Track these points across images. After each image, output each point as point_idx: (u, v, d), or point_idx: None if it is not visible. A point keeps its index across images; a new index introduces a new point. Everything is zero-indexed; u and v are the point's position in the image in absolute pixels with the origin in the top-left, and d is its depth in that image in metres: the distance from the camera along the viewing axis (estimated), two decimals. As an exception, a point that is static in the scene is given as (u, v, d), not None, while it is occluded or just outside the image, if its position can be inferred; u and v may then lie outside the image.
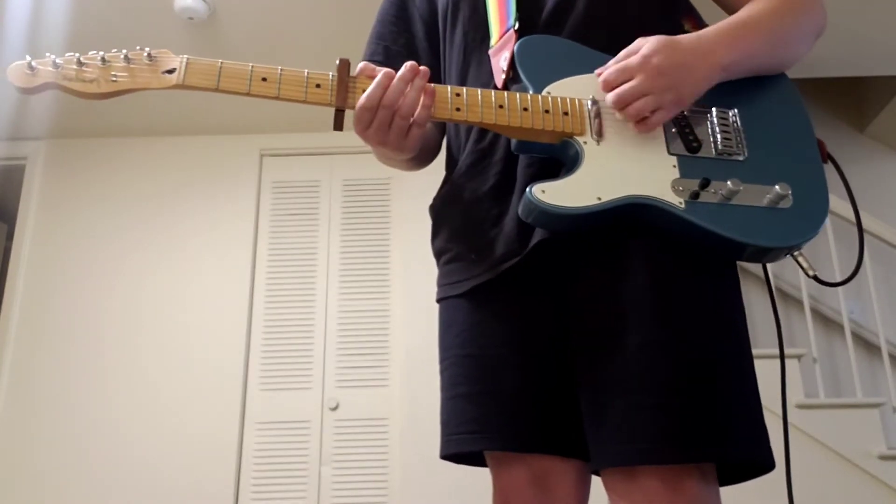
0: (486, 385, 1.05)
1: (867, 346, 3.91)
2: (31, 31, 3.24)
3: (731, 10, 1.12)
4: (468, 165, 1.14)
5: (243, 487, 3.46)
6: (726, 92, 1.04)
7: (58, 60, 0.95)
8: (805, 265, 1.03)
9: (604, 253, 1.00)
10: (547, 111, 1.00)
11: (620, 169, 0.99)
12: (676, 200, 0.97)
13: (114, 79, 0.97)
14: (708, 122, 1.03)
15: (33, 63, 0.95)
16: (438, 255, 1.19)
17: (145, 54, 0.98)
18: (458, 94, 1.01)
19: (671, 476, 0.91)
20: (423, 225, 4.31)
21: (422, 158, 1.24)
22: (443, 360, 1.14)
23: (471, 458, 1.11)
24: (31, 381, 3.61)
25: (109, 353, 3.64)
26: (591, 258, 1.02)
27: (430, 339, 3.96)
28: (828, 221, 3.54)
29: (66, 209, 3.91)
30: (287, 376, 3.63)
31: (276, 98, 1.01)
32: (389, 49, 1.24)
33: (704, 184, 0.97)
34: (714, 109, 1.04)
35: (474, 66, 1.15)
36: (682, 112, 1.02)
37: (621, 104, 0.99)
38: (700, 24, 1.16)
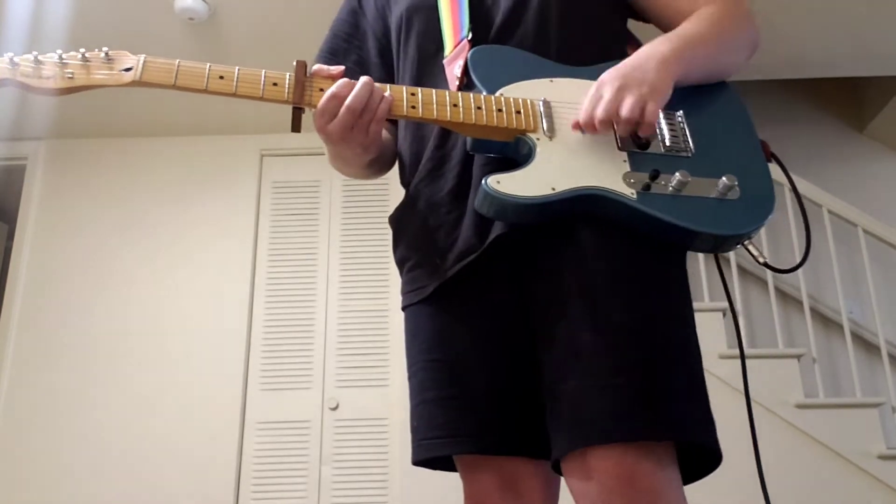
0: (453, 389, 1.07)
1: (866, 345, 3.92)
2: (31, 31, 3.24)
3: (666, 30, 1.18)
4: (427, 171, 1.17)
5: (244, 487, 3.47)
6: (673, 97, 1.08)
7: (15, 59, 0.99)
8: (755, 252, 1.07)
9: (558, 243, 1.04)
10: (500, 110, 1.05)
11: (573, 162, 1.03)
12: (629, 191, 1.01)
13: (69, 75, 1.00)
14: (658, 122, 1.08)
15: None
16: (401, 263, 1.21)
17: (102, 54, 1.02)
18: (412, 94, 1.06)
19: (624, 459, 0.91)
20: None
21: (378, 166, 1.27)
22: (410, 366, 1.17)
23: (443, 463, 1.13)
24: (31, 380, 3.61)
25: (109, 352, 3.64)
26: (546, 249, 1.05)
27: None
28: (827, 220, 3.58)
29: (67, 209, 3.91)
30: (287, 376, 3.64)
31: (234, 95, 1.05)
32: (341, 64, 1.26)
33: (654, 175, 1.01)
34: (661, 111, 1.08)
35: (428, 77, 1.19)
36: None
37: (608, 117, 1.02)
38: None
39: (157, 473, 3.44)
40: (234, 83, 1.05)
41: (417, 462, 1.13)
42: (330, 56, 1.31)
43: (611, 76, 1.05)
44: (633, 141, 1.06)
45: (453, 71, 1.14)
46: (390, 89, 1.05)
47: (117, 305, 3.73)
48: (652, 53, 1.07)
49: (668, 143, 1.06)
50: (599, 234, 1.02)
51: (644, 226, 1.02)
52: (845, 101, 4.62)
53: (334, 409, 3.56)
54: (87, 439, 3.51)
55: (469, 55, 1.11)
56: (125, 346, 3.66)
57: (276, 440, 3.54)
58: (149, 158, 4.00)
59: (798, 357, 3.40)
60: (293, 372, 3.64)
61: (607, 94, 1.02)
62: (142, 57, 1.03)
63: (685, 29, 1.13)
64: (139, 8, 3.18)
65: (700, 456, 0.97)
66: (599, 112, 1.02)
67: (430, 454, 1.09)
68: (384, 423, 3.54)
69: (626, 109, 1.01)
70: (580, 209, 1.02)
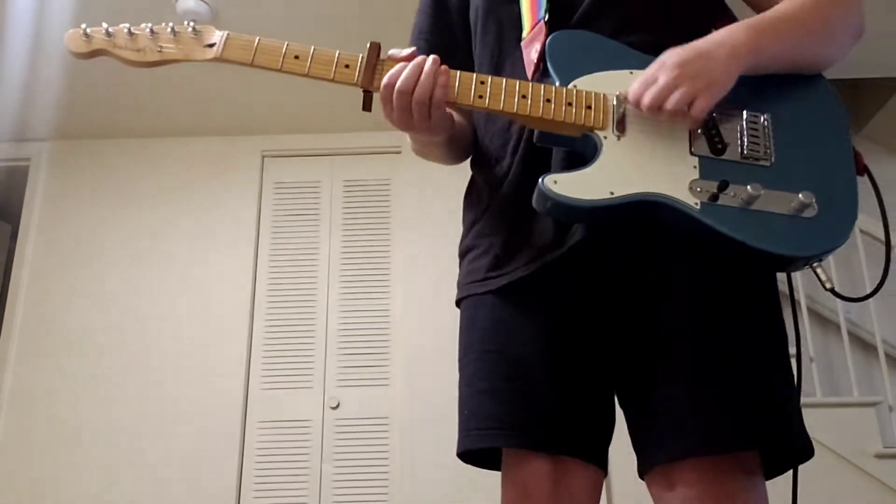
0: (510, 382, 1.04)
1: (863, 345, 3.93)
2: (32, 32, 3.25)
3: (760, 10, 1.11)
4: (496, 159, 1.14)
5: (245, 486, 3.47)
6: (760, 95, 1.03)
7: (110, 29, 1.02)
8: (823, 277, 1.00)
9: (644, 250, 1.01)
10: (570, 104, 1.00)
11: (638, 165, 0.98)
12: (692, 201, 0.95)
13: (160, 49, 1.03)
14: (737, 125, 1.01)
15: (88, 30, 1.03)
16: (465, 252, 1.18)
17: (190, 28, 1.03)
18: (482, 82, 1.02)
19: (711, 469, 0.92)
20: (424, 225, 4.35)
21: (455, 151, 1.24)
22: (464, 356, 1.13)
23: (485, 459, 1.10)
24: (34, 381, 3.61)
25: (112, 353, 3.65)
26: (629, 254, 1.02)
27: (430, 338, 3.98)
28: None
29: (70, 210, 3.92)
30: (288, 375, 3.65)
31: (305, 76, 1.02)
32: (430, 41, 1.25)
33: (723, 186, 0.95)
34: (745, 112, 1.02)
35: (508, 59, 1.15)
36: (711, 113, 1.00)
37: (656, 105, 0.97)
38: None
39: (159, 472, 3.45)
40: (308, 63, 1.02)
41: (464, 453, 1.09)
42: (418, 35, 1.27)
43: (672, 60, 0.98)
44: (709, 145, 0.99)
45: (530, 55, 1.09)
46: (460, 77, 1.02)
47: (119, 305, 3.74)
48: (725, 40, 1.00)
49: (745, 151, 0.99)
50: (684, 245, 0.99)
51: (705, 238, 0.96)
52: (843, 102, 4.62)
53: (335, 408, 3.57)
54: (89, 437, 3.51)
55: (547, 41, 1.06)
56: (127, 346, 3.66)
57: (277, 439, 3.54)
58: (151, 159, 4.01)
59: (795, 356, 3.40)
60: (294, 371, 3.65)
61: (662, 79, 0.97)
62: (224, 33, 1.03)
63: (776, 12, 1.05)
64: (141, 9, 3.19)
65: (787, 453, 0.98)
66: (647, 99, 0.97)
67: (478, 444, 1.06)
68: (385, 423, 3.55)
69: (671, 102, 0.96)
70: (642, 215, 0.98)
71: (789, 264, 0.99)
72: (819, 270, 0.99)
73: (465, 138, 1.23)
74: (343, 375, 3.63)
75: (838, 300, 3.57)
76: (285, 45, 1.02)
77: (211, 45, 1.03)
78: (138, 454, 3.48)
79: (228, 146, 4.01)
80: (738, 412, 0.92)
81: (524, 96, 1.01)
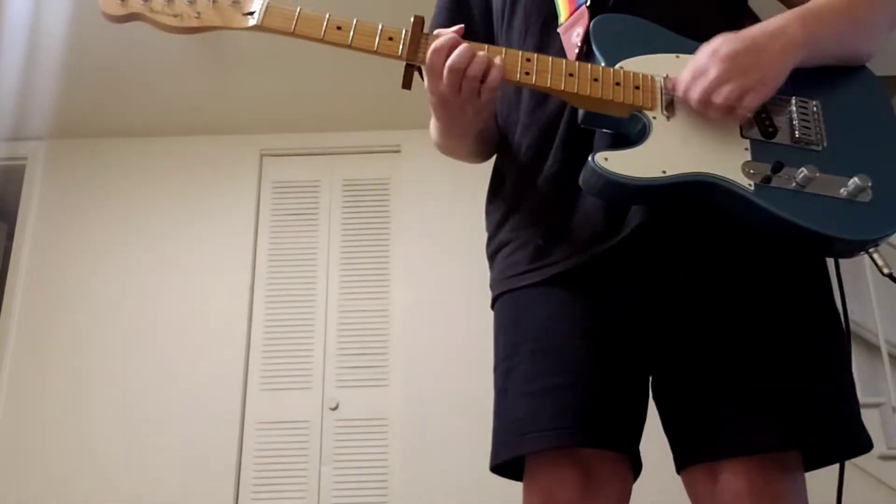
0: (563, 379, 1.00)
1: (867, 346, 3.91)
2: (30, 30, 3.24)
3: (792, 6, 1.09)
4: (533, 150, 1.11)
5: (243, 487, 3.46)
6: (808, 83, 1.01)
7: None
8: (880, 262, 0.99)
9: (702, 241, 0.99)
10: (618, 83, 0.99)
11: (690, 146, 0.96)
12: (746, 182, 0.94)
13: (197, 15, 1.00)
14: (787, 110, 1.00)
15: None
16: (498, 248, 1.14)
17: None
18: (528, 60, 1.00)
19: (755, 468, 0.91)
20: (423, 225, 4.31)
21: (482, 147, 1.21)
22: (510, 356, 1.07)
23: (520, 470, 1.05)
24: (30, 380, 3.60)
25: (109, 353, 3.64)
26: (692, 243, 1.00)
27: (430, 338, 3.96)
28: None
29: (67, 209, 3.91)
30: (287, 376, 3.63)
31: (348, 47, 1.00)
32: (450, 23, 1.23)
33: (777, 168, 0.94)
34: (794, 98, 1.01)
35: (538, 47, 1.12)
36: None
37: (705, 99, 0.95)
38: None
39: (157, 473, 3.43)
40: (351, 34, 1.00)
41: (505, 462, 1.03)
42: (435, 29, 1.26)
43: (724, 51, 0.96)
44: (759, 128, 0.98)
45: (571, 39, 1.08)
46: (506, 54, 1.00)
47: (117, 305, 3.72)
48: (778, 32, 0.98)
49: (797, 135, 0.98)
50: (744, 234, 0.97)
51: (759, 221, 0.95)
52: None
53: (334, 409, 3.56)
54: (87, 438, 3.50)
55: (592, 23, 1.05)
56: (125, 346, 3.65)
57: (275, 440, 3.53)
58: (149, 158, 3.99)
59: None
60: (293, 372, 3.64)
61: (712, 71, 0.95)
62: (265, 1, 1.01)
63: (818, 4, 1.03)
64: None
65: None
66: (695, 92, 0.96)
67: (545, 445, 1.00)
68: (384, 424, 3.53)
69: (721, 97, 0.94)
70: (693, 196, 0.96)
71: (845, 248, 0.98)
72: (876, 255, 0.98)
73: (492, 135, 1.21)
74: (342, 376, 3.61)
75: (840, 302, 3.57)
76: (327, 16, 1.00)
77: (250, 13, 1.00)
78: (136, 454, 3.47)
79: (226, 145, 4.00)
80: (789, 411, 0.91)
81: (571, 74, 0.99)
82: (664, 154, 0.95)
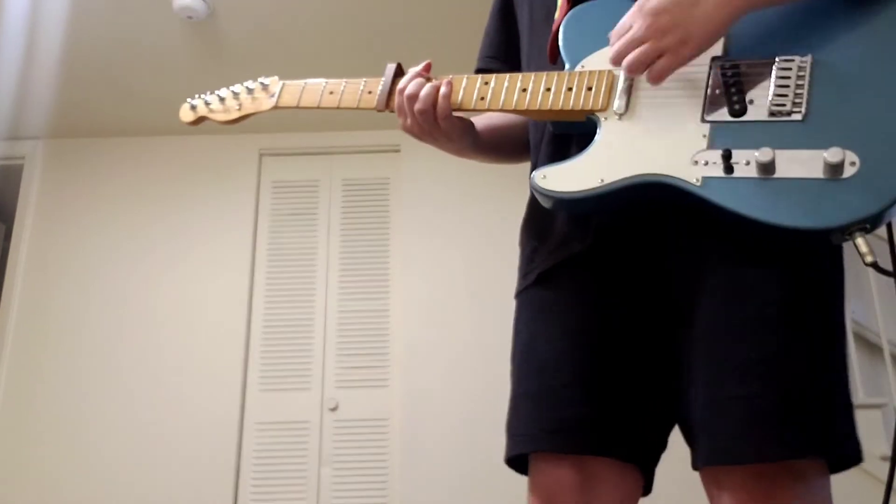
0: (540, 381, 0.99)
1: (869, 346, 3.90)
2: (30, 28, 3.23)
3: None
4: (534, 154, 1.12)
5: (242, 488, 3.45)
6: (799, 34, 0.88)
7: (207, 98, 1.22)
8: (863, 249, 0.81)
9: (668, 242, 0.95)
10: (570, 88, 0.95)
11: (636, 145, 0.90)
12: (693, 177, 0.85)
13: (239, 107, 1.19)
14: (767, 78, 0.87)
15: (193, 103, 1.23)
16: (521, 247, 1.14)
17: (259, 84, 1.19)
18: (486, 83, 1.02)
19: (760, 475, 0.86)
20: (423, 224, 4.30)
21: (496, 154, 1.23)
22: (511, 358, 1.08)
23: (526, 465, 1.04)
24: (28, 381, 3.59)
25: (107, 353, 3.63)
26: (653, 246, 0.96)
27: (429, 338, 3.95)
28: None
29: (64, 209, 3.90)
30: (286, 376, 3.62)
31: (338, 108, 1.12)
32: (494, 39, 1.26)
33: (726, 155, 0.83)
34: (777, 59, 0.87)
35: (536, 45, 1.12)
36: (732, 66, 0.88)
37: (618, 60, 0.90)
38: None
39: (156, 473, 3.43)
40: (339, 97, 1.12)
41: (509, 459, 1.02)
42: (484, 36, 1.27)
43: (649, 6, 0.88)
44: (728, 106, 0.87)
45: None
46: (466, 81, 1.03)
47: (115, 305, 3.71)
48: None
49: (771, 107, 0.85)
50: (726, 231, 0.88)
51: (719, 218, 0.85)
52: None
53: (333, 409, 3.55)
54: (85, 439, 3.49)
55: (564, 19, 1.01)
56: (123, 346, 3.64)
57: (275, 441, 3.52)
58: (147, 158, 3.98)
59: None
60: (292, 372, 3.63)
61: (633, 29, 0.89)
62: (281, 83, 1.17)
63: None
64: (138, 6, 3.16)
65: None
66: (611, 52, 0.90)
67: (519, 450, 1.00)
68: (384, 424, 3.52)
69: (629, 61, 0.88)
70: (646, 197, 0.90)
71: (822, 237, 0.82)
72: (860, 241, 0.80)
73: (512, 142, 1.21)
74: (341, 376, 3.60)
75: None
76: (323, 85, 1.13)
77: (272, 95, 1.17)
78: (135, 455, 3.46)
79: (225, 144, 3.98)
80: (780, 419, 0.85)
81: (524, 90, 0.98)
82: (604, 161, 0.90)
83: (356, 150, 3.99)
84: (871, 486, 3.16)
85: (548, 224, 1.06)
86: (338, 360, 3.63)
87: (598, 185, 0.89)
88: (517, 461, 1.02)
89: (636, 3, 0.90)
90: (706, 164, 0.85)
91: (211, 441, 3.48)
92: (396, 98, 1.05)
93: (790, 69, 0.86)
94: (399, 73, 1.09)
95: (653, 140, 0.90)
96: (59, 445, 3.48)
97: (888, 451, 3.17)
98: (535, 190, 0.94)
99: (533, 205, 1.10)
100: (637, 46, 0.88)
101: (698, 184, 0.85)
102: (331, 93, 1.12)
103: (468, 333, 3.51)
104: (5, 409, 3.55)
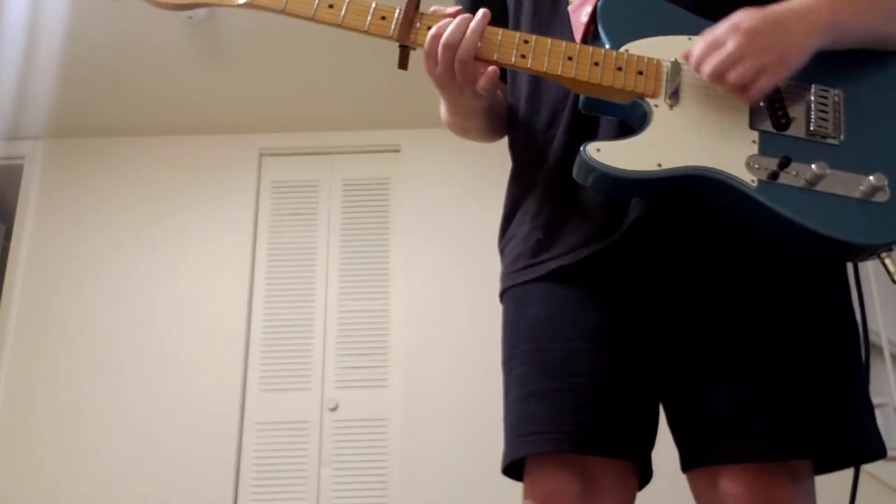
0: (558, 382, 0.97)
1: (868, 346, 3.89)
2: (30, 28, 3.23)
3: None
4: (540, 135, 1.07)
5: (242, 488, 3.45)
6: (833, 69, 0.94)
7: None
8: (892, 269, 0.89)
9: (703, 240, 0.95)
10: (620, 68, 0.94)
11: (691, 137, 0.91)
12: (749, 178, 0.88)
13: None
14: (805, 100, 0.93)
15: None
16: (507, 242, 1.10)
17: None
18: (526, 42, 0.96)
19: (757, 476, 0.88)
20: (423, 224, 4.30)
21: (492, 125, 1.17)
22: (510, 357, 1.04)
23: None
24: (28, 381, 3.59)
25: (107, 353, 3.62)
26: (692, 240, 0.96)
27: (429, 338, 3.95)
28: None
29: (65, 209, 3.89)
30: (286, 377, 3.62)
31: (339, 26, 0.99)
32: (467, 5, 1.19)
33: (784, 163, 0.88)
34: (813, 86, 0.94)
35: (546, 28, 1.08)
36: (777, 85, 0.92)
37: (718, 75, 0.90)
38: None
39: (156, 474, 3.42)
40: (342, 12, 0.99)
41: (513, 462, 1.00)
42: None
43: (745, 25, 0.90)
44: (771, 119, 0.91)
45: (579, 18, 1.02)
46: (503, 35, 0.96)
47: (115, 305, 3.71)
48: (805, 11, 0.91)
49: (812, 127, 0.91)
50: (745, 228, 0.91)
51: (763, 220, 0.89)
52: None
53: (333, 409, 3.55)
54: (85, 438, 3.48)
55: (600, 2, 0.99)
56: (123, 346, 3.63)
57: (275, 441, 3.52)
58: (147, 158, 3.98)
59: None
60: (292, 372, 3.62)
61: (729, 45, 0.89)
62: None
63: None
64: (137, 5, 3.16)
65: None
66: (709, 65, 0.90)
67: (528, 451, 0.98)
68: (383, 424, 3.52)
69: (735, 75, 0.88)
70: (694, 191, 0.91)
71: (856, 252, 0.91)
72: (888, 261, 0.89)
73: (502, 113, 1.17)
74: (341, 376, 3.60)
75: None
76: None
77: None
78: (135, 455, 3.45)
79: (225, 144, 3.98)
80: (793, 419, 0.87)
81: (570, 58, 0.95)
82: (662, 145, 0.90)
83: (356, 150, 3.99)
84: (871, 486, 3.16)
85: (560, 216, 1.02)
86: (338, 360, 3.63)
87: (655, 168, 0.89)
88: (514, 467, 1.00)
89: (730, 21, 0.91)
90: (758, 167, 0.89)
91: (211, 441, 3.48)
92: (428, 43, 0.95)
93: (827, 97, 0.93)
94: (414, 5, 0.98)
95: (706, 136, 0.91)
96: (59, 445, 3.48)
97: (889, 452, 3.18)
98: (587, 162, 0.89)
99: (537, 194, 1.06)
100: (735, 63, 0.89)
101: (753, 185, 0.88)
102: (330, 6, 0.99)
103: (468, 333, 3.50)
104: (5, 409, 3.55)
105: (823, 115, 0.92)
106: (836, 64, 0.94)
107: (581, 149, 0.90)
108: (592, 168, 0.89)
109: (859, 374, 0.94)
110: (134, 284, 3.75)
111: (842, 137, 0.92)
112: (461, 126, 1.19)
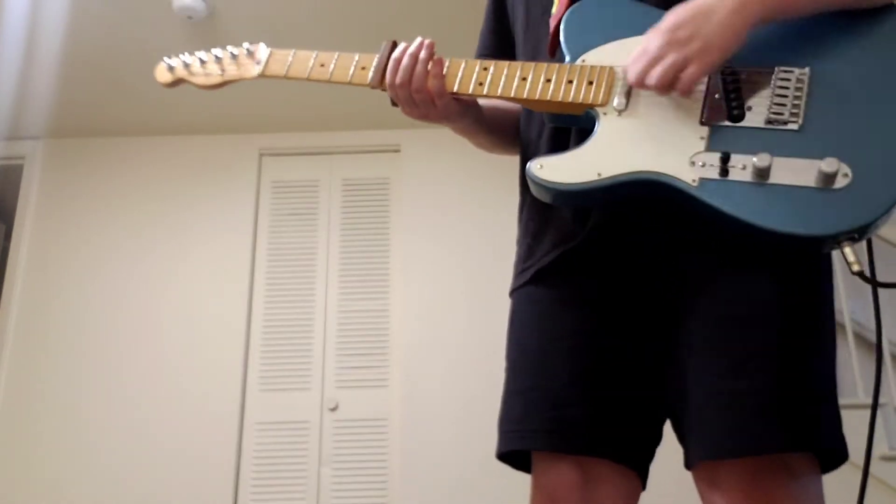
0: (535, 380, 0.99)
1: (869, 346, 3.89)
2: (30, 28, 3.23)
3: None
4: (531, 147, 1.10)
5: (242, 488, 3.45)
6: (800, 46, 0.89)
7: (187, 60, 1.15)
8: (850, 258, 0.83)
9: (662, 245, 0.95)
10: (570, 81, 0.95)
11: (635, 142, 0.90)
12: (689, 178, 0.86)
13: (222, 72, 1.13)
14: (769, 86, 0.88)
15: (170, 63, 1.18)
16: (516, 247, 1.14)
17: (245, 49, 1.12)
18: (485, 69, 1.00)
19: (753, 470, 0.87)
20: (423, 224, 4.30)
21: (498, 139, 1.20)
22: (507, 356, 1.07)
23: (525, 462, 1.04)
24: (28, 381, 3.59)
25: (107, 353, 3.62)
26: (647, 249, 0.97)
27: (429, 338, 3.95)
28: None
29: (65, 209, 3.89)
30: (286, 376, 3.62)
31: (329, 82, 1.07)
32: (494, 32, 1.24)
33: (724, 158, 0.85)
34: (776, 69, 0.89)
35: (533, 41, 1.11)
36: (733, 74, 0.88)
37: (640, 81, 0.89)
38: None
39: (156, 473, 3.42)
40: (330, 69, 1.07)
41: (500, 455, 1.03)
42: (481, 32, 1.25)
43: (665, 24, 0.88)
44: (727, 111, 0.88)
45: (551, 29, 1.04)
46: (464, 65, 1.01)
47: (115, 305, 3.71)
48: None
49: (768, 115, 0.87)
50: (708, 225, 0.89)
51: (717, 219, 0.86)
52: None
53: (333, 409, 3.55)
54: (85, 438, 3.48)
55: (565, 14, 1.00)
56: (123, 346, 3.63)
57: (275, 441, 3.52)
58: (147, 158, 3.98)
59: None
60: (292, 372, 3.62)
61: (651, 48, 0.88)
62: (268, 50, 1.11)
63: None
64: (138, 6, 3.16)
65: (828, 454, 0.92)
66: (631, 74, 0.89)
67: (506, 448, 1.01)
68: (383, 424, 3.52)
69: (654, 76, 0.87)
70: (643, 195, 0.90)
71: (818, 245, 0.85)
72: (847, 250, 0.83)
73: (508, 126, 1.19)
74: (341, 376, 3.60)
75: (842, 300, 3.55)
76: (314, 56, 1.08)
77: (258, 62, 1.12)
78: (135, 455, 3.45)
79: (225, 144, 3.98)
80: (769, 412, 0.86)
81: (524, 78, 0.98)
82: (602, 155, 0.90)
83: (356, 150, 3.99)
84: (871, 487, 3.16)
85: (543, 223, 1.05)
86: (338, 360, 3.63)
87: (595, 178, 0.90)
88: (509, 456, 1.03)
89: (652, 29, 0.90)
90: (703, 165, 0.87)
91: (211, 441, 3.48)
92: (388, 76, 1.02)
93: (789, 79, 0.88)
94: (390, 50, 1.05)
95: (651, 138, 0.90)
96: (59, 445, 3.48)
97: (888, 451, 3.18)
98: (531, 180, 0.93)
99: (529, 203, 1.09)
100: (655, 63, 0.87)
101: (695, 184, 0.86)
102: (321, 65, 1.06)
103: (468, 333, 3.50)
104: (5, 409, 3.55)
105: (781, 101, 0.87)
106: (803, 39, 0.90)
107: (526, 166, 0.94)
108: (536, 184, 0.92)
109: (832, 376, 0.93)
110: (134, 284, 3.75)
111: (800, 121, 0.86)
112: (475, 144, 1.23)
